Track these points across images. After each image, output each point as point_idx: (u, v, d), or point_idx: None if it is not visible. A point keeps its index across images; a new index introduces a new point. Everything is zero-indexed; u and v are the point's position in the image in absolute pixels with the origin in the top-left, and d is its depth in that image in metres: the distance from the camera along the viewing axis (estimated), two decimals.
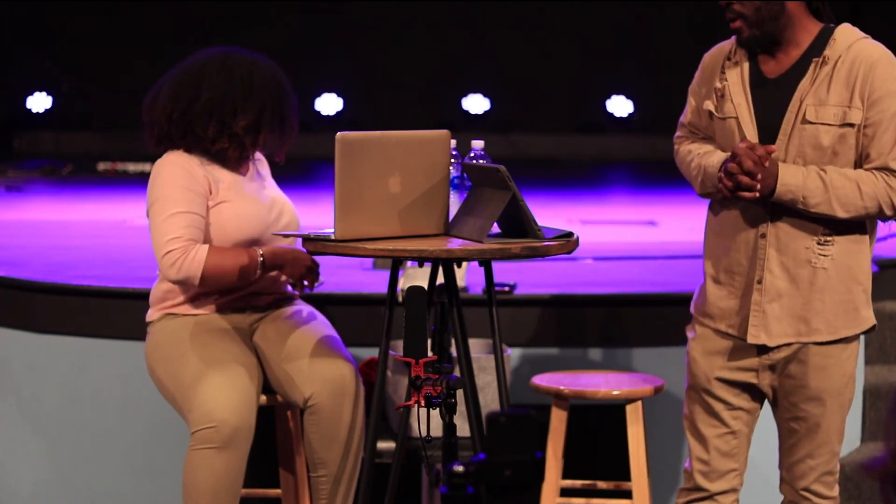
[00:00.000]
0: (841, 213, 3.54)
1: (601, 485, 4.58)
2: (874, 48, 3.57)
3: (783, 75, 3.60)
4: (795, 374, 3.65)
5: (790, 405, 3.67)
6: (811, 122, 3.53)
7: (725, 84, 3.64)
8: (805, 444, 3.69)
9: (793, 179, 3.51)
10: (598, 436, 4.81)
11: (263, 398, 4.02)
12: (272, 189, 4.14)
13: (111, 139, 10.61)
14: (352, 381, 3.93)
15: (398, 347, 4.28)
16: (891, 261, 5.61)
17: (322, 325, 4.07)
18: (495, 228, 3.67)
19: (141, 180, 9.48)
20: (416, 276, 4.24)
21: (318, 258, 4.01)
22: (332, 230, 3.63)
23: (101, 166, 9.98)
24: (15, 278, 5.05)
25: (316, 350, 3.95)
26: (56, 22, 10.97)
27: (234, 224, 3.96)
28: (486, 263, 3.81)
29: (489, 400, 4.33)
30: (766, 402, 3.74)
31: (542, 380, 4.39)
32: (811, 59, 3.57)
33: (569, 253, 3.72)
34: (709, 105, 3.68)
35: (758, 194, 3.50)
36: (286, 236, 3.98)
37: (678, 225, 6.98)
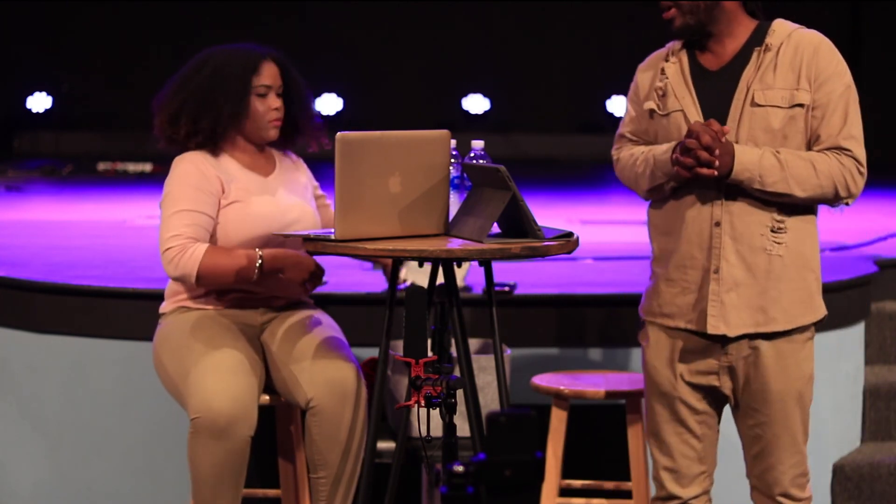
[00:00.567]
0: (798, 192, 3.54)
1: (601, 485, 4.58)
2: (814, 34, 3.62)
3: (725, 66, 3.62)
4: (755, 377, 3.62)
5: (752, 411, 3.64)
6: (760, 105, 3.56)
7: (666, 81, 3.66)
8: (773, 451, 3.66)
9: (749, 158, 3.51)
10: (598, 436, 4.81)
11: (265, 398, 4.02)
12: (297, 195, 4.13)
13: (111, 139, 10.62)
14: (354, 384, 3.94)
15: (398, 347, 4.28)
16: (891, 261, 5.62)
17: (329, 328, 4.07)
18: (495, 228, 3.67)
19: (141, 180, 9.51)
20: (416, 268, 4.23)
21: (318, 258, 4.02)
22: (332, 230, 3.63)
23: (101, 166, 10.00)
24: (15, 278, 5.05)
25: (320, 352, 3.96)
26: (56, 22, 10.98)
27: (239, 225, 3.97)
28: (486, 263, 3.80)
29: (489, 400, 4.33)
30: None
31: (542, 380, 4.39)
32: (752, 48, 3.60)
33: (569, 253, 3.72)
34: (650, 104, 3.68)
35: (716, 172, 3.49)
36: (286, 236, 3.98)
37: None
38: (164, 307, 4.12)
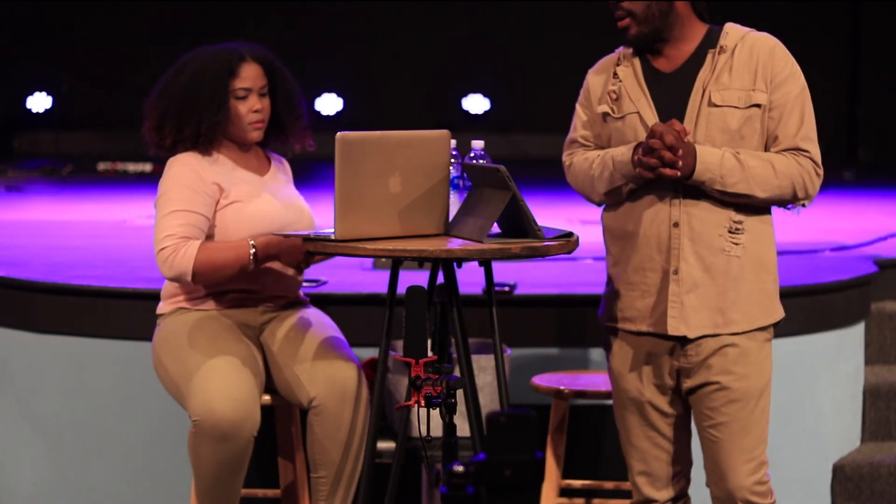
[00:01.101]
0: (759, 193, 3.54)
1: (601, 485, 4.58)
2: (768, 37, 3.63)
3: (679, 68, 3.62)
4: (718, 379, 3.60)
5: (710, 411, 3.61)
6: (717, 106, 3.56)
7: (620, 84, 3.64)
8: (730, 454, 3.61)
9: (711, 158, 3.51)
10: (598, 436, 4.81)
11: (266, 398, 4.02)
12: (291, 193, 4.14)
13: (111, 139, 10.61)
14: (356, 384, 3.94)
15: (398, 347, 4.28)
16: (891, 261, 5.62)
17: (329, 328, 4.07)
18: (495, 228, 3.67)
19: (141, 180, 9.50)
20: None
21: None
22: (333, 230, 3.63)
23: (101, 166, 9.99)
24: (15, 278, 5.05)
25: (322, 352, 3.96)
26: (56, 22, 10.98)
27: (240, 225, 3.96)
28: (486, 263, 3.80)
29: (489, 400, 4.33)
30: None
31: (542, 380, 4.39)
32: (706, 50, 3.61)
33: (569, 253, 3.72)
34: (603, 108, 3.66)
35: (679, 172, 3.49)
36: (286, 236, 3.98)
37: None
38: (162, 308, 4.11)
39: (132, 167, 9.85)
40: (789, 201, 3.59)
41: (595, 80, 3.72)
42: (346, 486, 3.98)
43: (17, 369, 4.97)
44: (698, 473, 3.76)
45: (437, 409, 3.43)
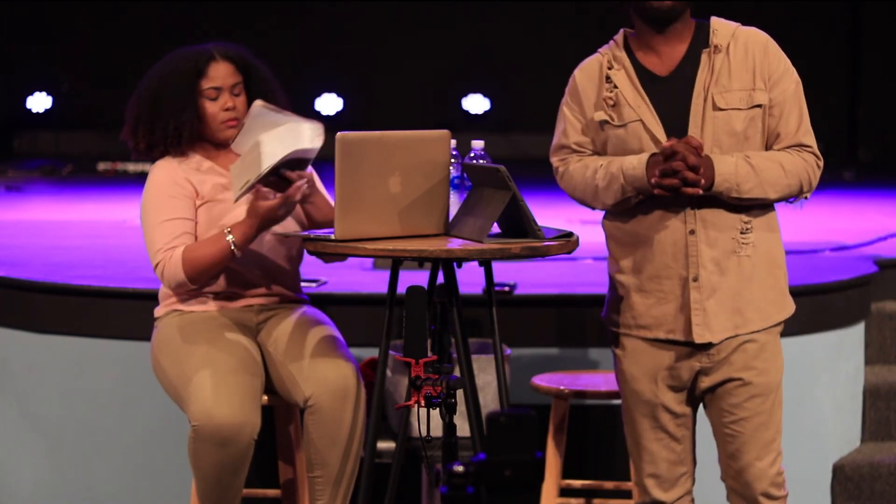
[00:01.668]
0: (772, 195, 3.56)
1: (601, 485, 4.58)
2: (758, 32, 3.63)
3: (675, 71, 3.60)
4: (739, 376, 3.61)
5: (731, 407, 3.63)
6: (722, 109, 3.55)
7: (616, 91, 3.60)
8: (751, 448, 3.64)
9: (727, 168, 3.51)
10: (597, 436, 4.81)
11: (265, 398, 4.02)
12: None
13: (111, 139, 10.57)
14: (353, 383, 3.92)
15: (398, 347, 4.28)
16: (891, 261, 5.62)
17: (326, 327, 4.06)
18: (495, 228, 3.67)
19: (141, 180, 9.50)
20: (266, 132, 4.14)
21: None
22: (332, 230, 3.63)
23: (101, 166, 9.99)
24: (15, 278, 5.05)
25: (318, 350, 3.95)
26: (56, 22, 10.97)
27: (210, 226, 3.95)
28: (486, 263, 3.80)
29: (489, 400, 4.33)
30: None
31: (542, 380, 4.39)
32: (698, 50, 3.59)
33: (569, 253, 3.72)
34: (600, 115, 3.61)
35: (701, 191, 3.49)
36: (285, 236, 3.98)
37: None
38: (158, 311, 4.10)
39: (132, 167, 9.84)
40: (794, 195, 3.62)
41: (585, 84, 3.66)
42: (342, 486, 3.96)
43: (17, 369, 4.97)
44: (700, 472, 3.77)
45: (437, 409, 3.43)
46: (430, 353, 3.47)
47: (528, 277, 5.15)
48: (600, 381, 4.37)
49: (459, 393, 3.48)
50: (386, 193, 3.62)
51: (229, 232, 3.86)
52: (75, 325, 4.89)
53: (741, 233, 3.59)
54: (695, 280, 3.58)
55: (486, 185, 3.65)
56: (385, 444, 4.33)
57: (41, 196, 8.77)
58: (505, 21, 10.94)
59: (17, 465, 4.97)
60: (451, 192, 3.73)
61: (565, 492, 4.56)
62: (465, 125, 10.80)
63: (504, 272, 5.13)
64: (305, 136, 3.77)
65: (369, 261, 5.30)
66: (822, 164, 3.62)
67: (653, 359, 3.65)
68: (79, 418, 4.89)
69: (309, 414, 3.92)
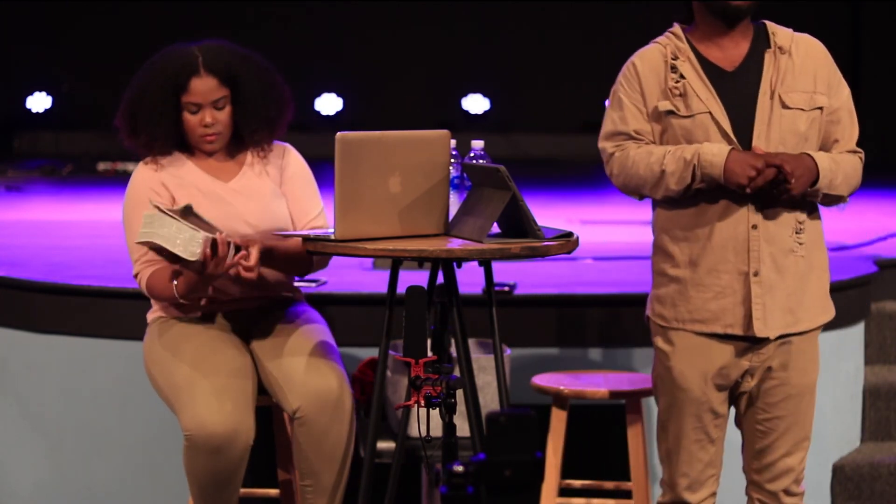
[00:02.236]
0: (846, 192, 3.66)
1: (601, 485, 4.58)
2: (814, 39, 3.70)
3: (740, 67, 3.63)
4: (778, 375, 3.66)
5: (767, 406, 3.68)
6: (788, 108, 3.60)
7: (684, 81, 3.61)
8: (783, 445, 3.69)
9: (825, 163, 3.58)
10: (598, 436, 4.81)
11: (262, 399, 4.00)
12: (255, 201, 3.97)
13: (111, 139, 10.57)
14: (340, 394, 3.85)
15: (398, 347, 4.28)
16: (891, 261, 5.61)
17: (317, 332, 3.99)
18: (495, 228, 3.67)
19: None
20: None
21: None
22: (332, 230, 3.63)
23: (101, 166, 9.98)
24: (15, 278, 5.05)
25: (306, 360, 3.89)
26: (56, 22, 10.97)
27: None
28: (486, 263, 3.80)
29: (489, 400, 4.33)
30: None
31: (542, 380, 4.39)
32: (761, 50, 3.63)
33: (569, 253, 3.72)
34: (665, 105, 3.62)
35: (795, 191, 3.54)
36: (285, 237, 3.96)
37: None
38: (149, 315, 4.10)
39: (132, 167, 9.80)
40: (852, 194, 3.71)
41: (647, 72, 3.65)
42: (330, 496, 3.92)
43: (17, 369, 4.97)
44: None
45: (437, 409, 3.43)
46: (430, 353, 3.47)
47: (528, 277, 5.14)
48: (600, 381, 4.37)
49: (459, 393, 3.48)
50: (386, 193, 3.62)
51: (176, 287, 3.81)
52: (75, 325, 4.89)
53: (796, 232, 3.64)
54: (755, 275, 3.60)
55: (485, 185, 3.65)
56: (385, 444, 4.33)
57: (41, 196, 8.77)
58: (505, 21, 10.94)
59: (17, 465, 4.97)
60: (451, 192, 3.73)
61: (565, 492, 4.56)
62: (465, 125, 10.80)
63: (504, 272, 5.12)
64: (194, 243, 3.64)
65: (369, 261, 5.29)
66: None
67: (705, 355, 3.65)
68: (79, 418, 4.89)
69: (298, 426, 3.86)
